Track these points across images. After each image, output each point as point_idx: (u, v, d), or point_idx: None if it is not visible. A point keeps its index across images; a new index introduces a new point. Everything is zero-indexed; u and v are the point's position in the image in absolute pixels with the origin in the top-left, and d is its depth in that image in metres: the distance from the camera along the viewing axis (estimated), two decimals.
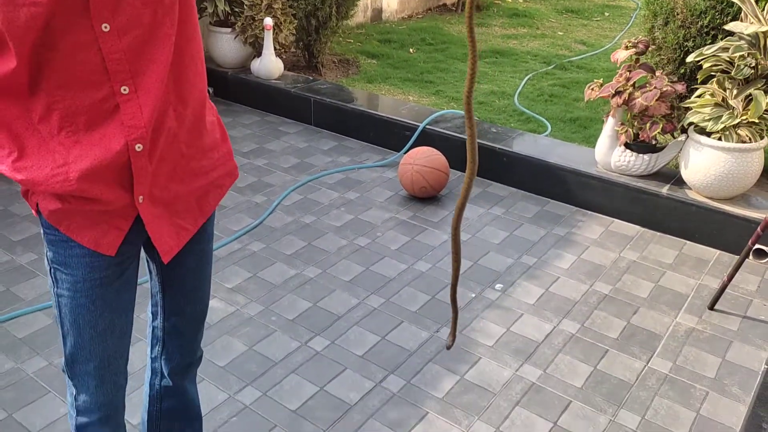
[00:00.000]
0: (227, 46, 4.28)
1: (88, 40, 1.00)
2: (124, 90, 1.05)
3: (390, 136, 3.68)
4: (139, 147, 1.09)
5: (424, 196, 3.14)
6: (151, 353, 1.45)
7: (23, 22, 0.95)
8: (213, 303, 2.34)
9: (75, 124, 1.05)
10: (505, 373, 2.17)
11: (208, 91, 4.34)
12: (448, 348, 1.20)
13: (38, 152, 1.07)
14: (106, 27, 1.00)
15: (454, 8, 6.96)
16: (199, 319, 1.42)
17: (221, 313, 2.36)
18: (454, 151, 3.39)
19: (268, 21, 3.98)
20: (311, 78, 4.24)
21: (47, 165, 1.07)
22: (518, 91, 4.39)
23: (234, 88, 4.31)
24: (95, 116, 1.05)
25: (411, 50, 5.29)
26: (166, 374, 1.45)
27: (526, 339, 2.31)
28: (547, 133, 3.76)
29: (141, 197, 1.14)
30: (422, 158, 3.09)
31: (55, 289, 1.21)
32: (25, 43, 0.97)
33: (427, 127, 3.51)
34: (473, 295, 2.45)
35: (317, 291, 2.49)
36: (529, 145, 3.36)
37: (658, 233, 2.98)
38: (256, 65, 4.20)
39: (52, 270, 1.20)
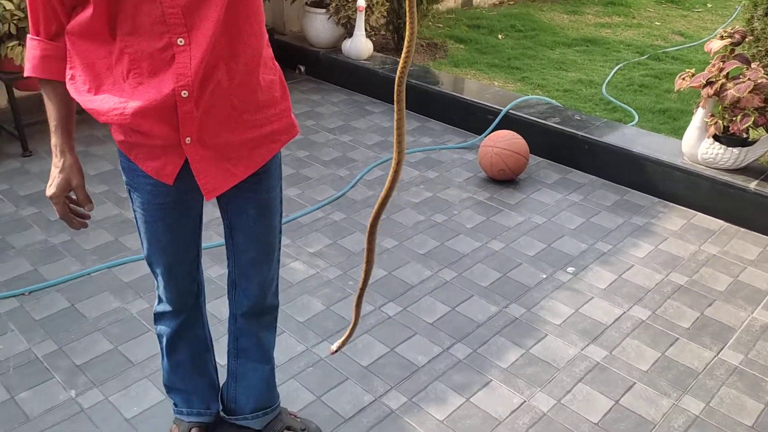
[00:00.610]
0: (320, 26, 4.42)
1: None
2: (180, 42, 1.15)
3: (472, 119, 3.71)
4: (184, 93, 1.17)
5: (502, 179, 3.17)
6: (229, 295, 1.58)
7: None
8: (295, 265, 2.45)
9: (140, 68, 1.16)
10: (570, 350, 2.20)
11: (300, 69, 4.60)
12: (332, 354, 1.21)
13: (110, 90, 1.19)
14: None
15: None
16: (263, 266, 1.47)
17: (302, 275, 2.47)
18: (536, 136, 3.40)
19: (361, 2, 4.10)
20: (399, 60, 4.31)
21: (112, 101, 1.19)
22: (607, 81, 4.30)
23: (325, 67, 4.43)
24: (156, 63, 1.16)
25: (499, 36, 5.27)
26: (238, 316, 1.57)
27: (594, 321, 2.33)
28: (633, 123, 3.68)
29: (188, 138, 1.23)
30: (503, 141, 3.12)
31: (132, 205, 1.41)
32: None
33: (510, 111, 3.51)
34: (544, 276, 2.49)
35: (393, 261, 2.58)
36: (613, 133, 3.31)
37: (743, 229, 2.90)
38: (347, 46, 4.29)
39: (128, 191, 1.39)
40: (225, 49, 1.20)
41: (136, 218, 1.42)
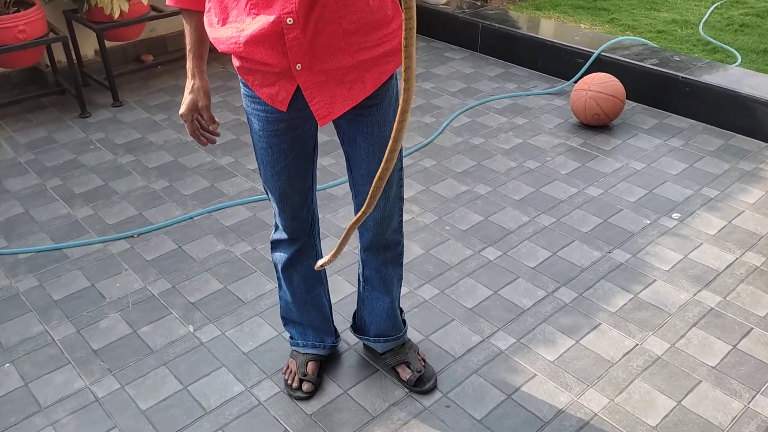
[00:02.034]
0: None
1: None
2: None
3: (560, 63, 3.62)
4: (289, 20, 1.18)
5: (596, 124, 3.09)
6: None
7: None
8: None
9: (260, 2, 1.20)
10: (681, 296, 2.16)
11: None
12: (318, 268, 1.18)
13: (233, 21, 1.23)
14: None
15: None
16: (378, 202, 1.47)
17: None
18: (630, 79, 3.29)
19: None
20: (479, 3, 4.21)
21: (231, 30, 1.24)
22: (704, 20, 4.11)
23: None
24: None
25: None
26: (362, 247, 1.61)
27: (705, 267, 2.28)
28: (736, 64, 3.54)
29: (299, 65, 1.23)
30: (598, 84, 3.03)
31: (250, 131, 1.44)
32: None
33: (603, 54, 3.40)
34: (648, 222, 2.44)
35: (488, 206, 2.58)
36: (717, 74, 3.13)
37: None
38: None
39: (247, 117, 1.42)
40: None
41: (254, 143, 1.46)
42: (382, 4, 1.28)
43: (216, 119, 1.42)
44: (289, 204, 1.53)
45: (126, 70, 3.60)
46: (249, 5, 1.21)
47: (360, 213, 1.06)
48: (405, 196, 2.58)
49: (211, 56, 3.38)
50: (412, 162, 2.90)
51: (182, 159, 2.92)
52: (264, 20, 1.20)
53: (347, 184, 2.70)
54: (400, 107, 0.90)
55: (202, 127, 1.42)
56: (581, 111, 3.09)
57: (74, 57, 3.49)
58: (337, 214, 2.56)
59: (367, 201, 1.05)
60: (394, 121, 1.38)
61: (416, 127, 3.19)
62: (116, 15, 3.23)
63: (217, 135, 1.45)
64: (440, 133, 3.12)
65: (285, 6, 1.19)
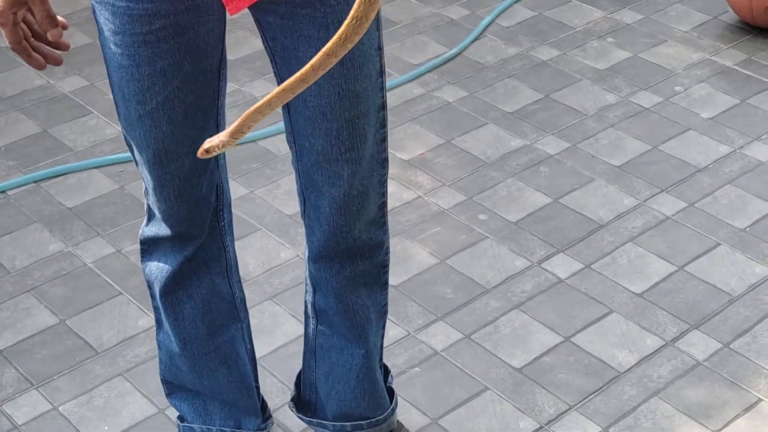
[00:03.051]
0: None
1: None
2: None
3: None
4: None
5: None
6: (302, 217, 1.60)
7: None
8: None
9: None
10: None
11: None
12: (199, 155, 1.22)
13: None
14: None
15: None
16: (342, 169, 1.49)
17: (394, 202, 2.34)
18: None
19: None
20: None
21: None
22: None
23: None
24: None
25: None
26: (310, 255, 1.62)
27: None
28: None
29: None
30: None
31: (99, 37, 1.42)
32: None
33: None
34: None
35: (559, 178, 2.46)
36: None
37: None
38: None
39: (93, 10, 1.39)
40: None
41: (106, 60, 1.43)
42: None
43: (59, 17, 1.35)
44: (174, 172, 1.51)
45: None
46: None
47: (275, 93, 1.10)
48: (406, 157, 2.55)
49: None
50: (421, 92, 2.79)
51: None
52: None
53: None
54: None
55: (33, 33, 1.37)
56: (746, 4, 2.94)
57: None
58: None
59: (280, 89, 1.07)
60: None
61: (432, 25, 3.10)
62: None
63: (65, 47, 1.38)
64: (477, 38, 3.04)
65: None
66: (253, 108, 1.12)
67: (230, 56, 2.55)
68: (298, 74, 1.06)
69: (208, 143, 1.18)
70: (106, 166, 2.55)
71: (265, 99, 1.12)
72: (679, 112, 2.71)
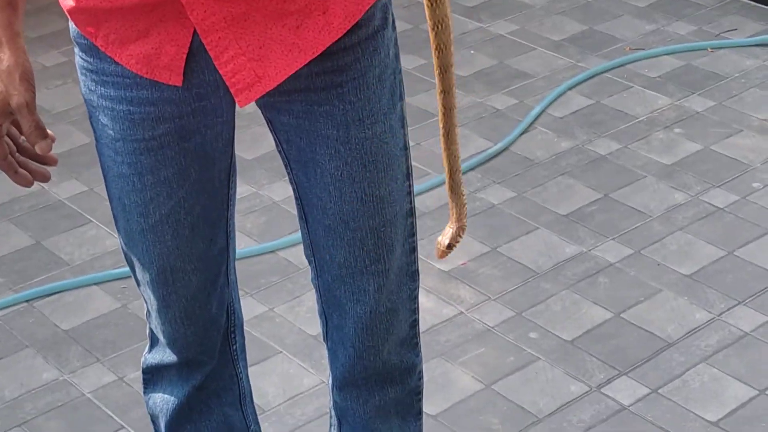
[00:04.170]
0: None
1: None
2: None
3: None
4: None
5: None
6: (324, 340, 1.66)
7: None
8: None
9: None
10: None
11: None
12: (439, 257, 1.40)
13: None
14: None
15: None
16: (367, 283, 1.54)
17: (432, 319, 2.47)
18: None
19: None
20: None
21: None
22: None
23: None
24: None
25: None
26: (334, 384, 1.67)
27: None
28: None
29: None
30: None
31: (96, 143, 1.50)
32: None
33: None
34: None
35: (621, 291, 2.58)
36: None
37: None
38: None
39: (89, 113, 1.48)
40: None
41: (103, 168, 1.52)
42: None
43: (48, 130, 1.43)
44: (180, 291, 1.58)
45: None
46: None
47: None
48: (446, 268, 2.68)
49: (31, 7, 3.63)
50: (465, 191, 2.91)
51: None
52: None
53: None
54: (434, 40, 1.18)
55: (19, 148, 1.45)
56: None
57: None
58: (297, 305, 2.58)
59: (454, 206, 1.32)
60: (391, 109, 1.52)
61: (476, 117, 3.24)
62: None
63: (53, 162, 1.47)
64: (525, 131, 3.18)
65: None
66: (447, 184, 1.36)
67: (246, 155, 2.75)
68: (441, 124, 1.28)
69: (446, 239, 1.39)
70: (106, 282, 2.67)
71: (446, 168, 1.36)
72: (758, 211, 2.80)
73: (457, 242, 1.35)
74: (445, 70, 1.19)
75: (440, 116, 1.26)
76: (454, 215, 1.37)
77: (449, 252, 1.32)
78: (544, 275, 2.60)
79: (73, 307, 2.60)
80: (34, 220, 2.88)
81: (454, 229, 1.34)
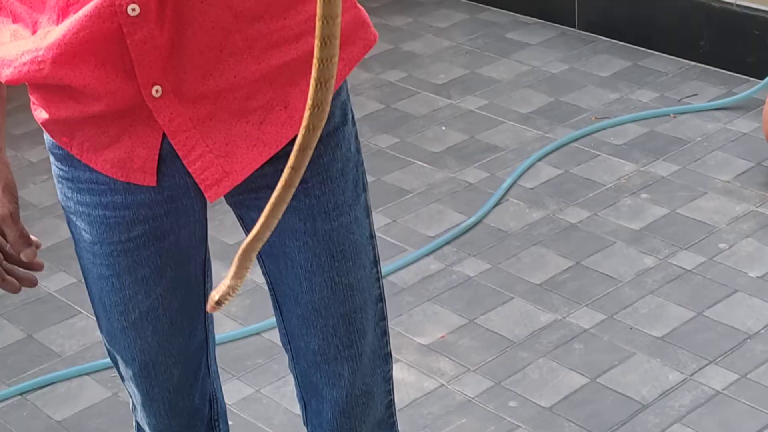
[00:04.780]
0: None
1: None
2: None
3: (742, 45, 3.68)
4: (133, 9, 1.28)
5: None
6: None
7: None
8: (397, 372, 2.32)
9: None
10: None
11: None
12: (209, 310, 1.30)
13: (35, 27, 1.34)
14: None
15: None
16: (341, 368, 1.57)
17: (411, 392, 2.51)
18: None
19: None
20: None
21: (28, 42, 1.34)
22: None
23: None
24: None
25: None
26: None
27: None
28: None
29: (157, 88, 1.34)
30: None
31: (75, 247, 1.53)
32: None
33: None
34: None
35: (595, 356, 2.61)
36: None
37: None
38: None
39: (67, 220, 1.52)
40: None
41: (83, 271, 1.55)
42: None
43: (32, 237, 1.49)
44: (163, 384, 1.61)
45: None
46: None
47: (255, 232, 1.23)
48: (425, 341, 2.68)
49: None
50: (439, 267, 2.94)
51: None
52: (86, 15, 1.29)
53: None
54: (299, 139, 1.11)
55: (5, 256, 1.49)
56: None
57: None
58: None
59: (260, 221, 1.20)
60: (355, 200, 1.55)
61: (449, 192, 3.27)
62: None
63: (38, 268, 1.52)
64: (497, 204, 3.20)
65: None
66: (245, 244, 1.25)
67: (228, 240, 2.83)
68: (276, 193, 1.19)
69: (216, 294, 1.28)
70: (97, 371, 2.70)
71: (253, 231, 1.24)
72: (725, 272, 2.83)
73: (227, 300, 1.29)
74: (304, 149, 1.16)
75: (278, 189, 1.22)
76: (233, 272, 1.30)
77: (219, 308, 1.28)
78: (521, 344, 2.62)
79: (66, 398, 2.61)
80: (26, 313, 2.89)
81: (227, 285, 1.28)
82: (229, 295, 1.25)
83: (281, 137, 1.43)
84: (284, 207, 1.21)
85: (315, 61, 1.08)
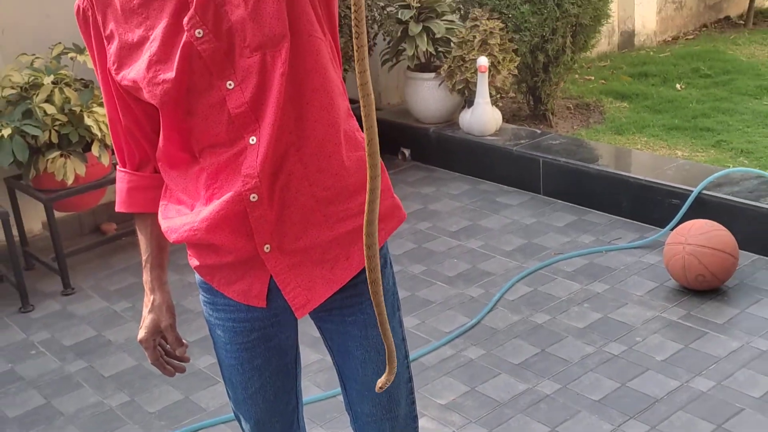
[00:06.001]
0: (429, 95, 4.59)
1: (218, 99, 1.33)
2: (252, 140, 1.33)
3: (650, 206, 3.75)
4: (253, 197, 1.35)
5: (702, 288, 3.18)
6: None
7: (162, 95, 1.32)
8: (423, 423, 2.50)
9: (217, 180, 1.38)
10: None
11: (403, 153, 4.79)
12: (378, 390, 1.32)
13: (191, 208, 1.42)
14: (230, 84, 1.32)
15: (742, 22, 6.72)
16: (383, 425, 1.59)
17: None
18: (745, 225, 3.36)
19: (483, 61, 4.18)
20: (539, 131, 4.42)
21: (188, 216, 1.41)
22: None
23: (437, 148, 4.60)
24: (231, 170, 1.36)
25: (678, 86, 5.28)
26: None
27: None
28: None
29: (267, 246, 1.40)
30: (698, 235, 3.13)
31: (214, 345, 1.60)
32: (169, 113, 1.34)
33: (704, 192, 3.50)
34: None
35: (556, 413, 2.65)
36: None
37: None
38: (467, 118, 4.43)
39: (209, 328, 1.58)
40: (293, 132, 1.35)
41: (219, 360, 1.62)
42: (360, 164, 1.43)
43: (184, 340, 1.58)
44: None
45: (81, 245, 3.76)
46: (207, 187, 1.40)
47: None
48: (442, 401, 2.74)
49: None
50: (451, 353, 3.02)
51: (148, 363, 2.78)
52: (225, 200, 1.37)
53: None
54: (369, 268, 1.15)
55: (166, 352, 1.59)
56: (680, 272, 3.17)
57: (16, 235, 3.61)
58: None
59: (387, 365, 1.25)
60: (392, 316, 1.55)
61: (458, 302, 3.34)
62: (70, 181, 3.42)
63: (187, 360, 1.60)
64: (490, 310, 3.26)
65: (246, 182, 1.35)
66: (381, 327, 1.27)
67: (316, 333, 2.72)
68: (374, 300, 1.24)
69: (381, 383, 1.32)
70: (228, 422, 2.70)
71: (380, 323, 1.26)
72: (641, 356, 2.91)
73: (387, 384, 1.30)
74: (370, 281, 1.18)
75: (374, 298, 1.23)
76: (390, 362, 1.31)
77: (383, 389, 1.30)
78: (506, 404, 2.67)
79: None
80: (183, 382, 2.86)
81: (386, 374, 1.30)
82: (389, 381, 1.31)
83: (345, 277, 1.47)
84: (381, 299, 1.27)
85: (365, 231, 1.16)
